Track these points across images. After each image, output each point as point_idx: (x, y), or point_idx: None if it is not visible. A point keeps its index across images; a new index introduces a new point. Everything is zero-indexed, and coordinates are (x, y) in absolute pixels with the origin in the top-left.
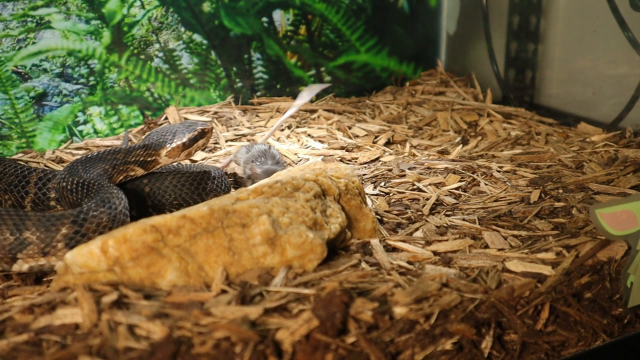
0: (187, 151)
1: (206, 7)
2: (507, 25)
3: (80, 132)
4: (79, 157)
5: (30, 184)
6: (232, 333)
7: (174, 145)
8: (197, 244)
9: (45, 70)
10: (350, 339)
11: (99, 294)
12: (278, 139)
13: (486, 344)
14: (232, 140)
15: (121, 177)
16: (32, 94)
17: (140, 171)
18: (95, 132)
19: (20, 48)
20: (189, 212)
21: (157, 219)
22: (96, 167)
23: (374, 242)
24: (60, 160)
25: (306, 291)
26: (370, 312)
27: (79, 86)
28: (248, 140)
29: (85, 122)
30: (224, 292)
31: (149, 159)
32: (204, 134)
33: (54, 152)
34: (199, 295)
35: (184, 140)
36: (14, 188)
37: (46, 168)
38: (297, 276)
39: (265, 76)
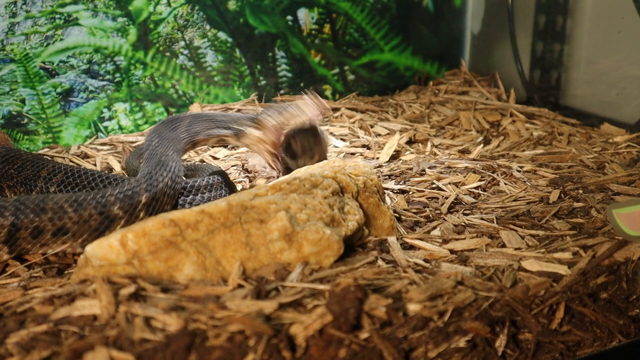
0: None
1: (231, 5)
2: (533, 25)
3: (106, 128)
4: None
5: (40, 178)
6: (246, 327)
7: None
8: (215, 239)
9: (72, 67)
10: (364, 335)
11: (117, 286)
12: None
13: (500, 342)
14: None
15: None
16: (58, 89)
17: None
18: (120, 128)
19: (48, 44)
20: (207, 207)
21: (175, 214)
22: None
23: (391, 239)
24: (85, 156)
25: (321, 287)
26: (384, 308)
27: (104, 83)
28: None
29: (110, 118)
30: (240, 286)
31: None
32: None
33: (79, 148)
34: (216, 289)
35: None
36: (28, 181)
37: (57, 162)
38: (313, 272)
39: (289, 74)
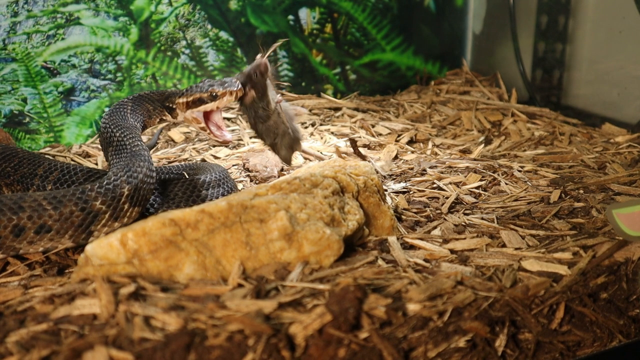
0: (194, 110)
1: (233, 4)
2: (535, 25)
3: None
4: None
5: (36, 176)
6: (245, 326)
7: (181, 100)
8: (215, 238)
9: (73, 66)
10: (363, 335)
11: (117, 285)
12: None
13: (500, 342)
14: (255, 137)
15: (158, 120)
16: (60, 89)
17: (169, 117)
18: None
19: (49, 44)
20: (207, 206)
21: (176, 213)
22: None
23: (392, 239)
24: (87, 155)
25: (321, 286)
26: (383, 308)
27: (106, 82)
28: None
29: None
30: (240, 286)
31: (172, 106)
32: (215, 97)
33: (80, 147)
34: (215, 289)
35: (189, 99)
36: (24, 179)
37: (53, 160)
38: (313, 272)
39: (291, 74)
